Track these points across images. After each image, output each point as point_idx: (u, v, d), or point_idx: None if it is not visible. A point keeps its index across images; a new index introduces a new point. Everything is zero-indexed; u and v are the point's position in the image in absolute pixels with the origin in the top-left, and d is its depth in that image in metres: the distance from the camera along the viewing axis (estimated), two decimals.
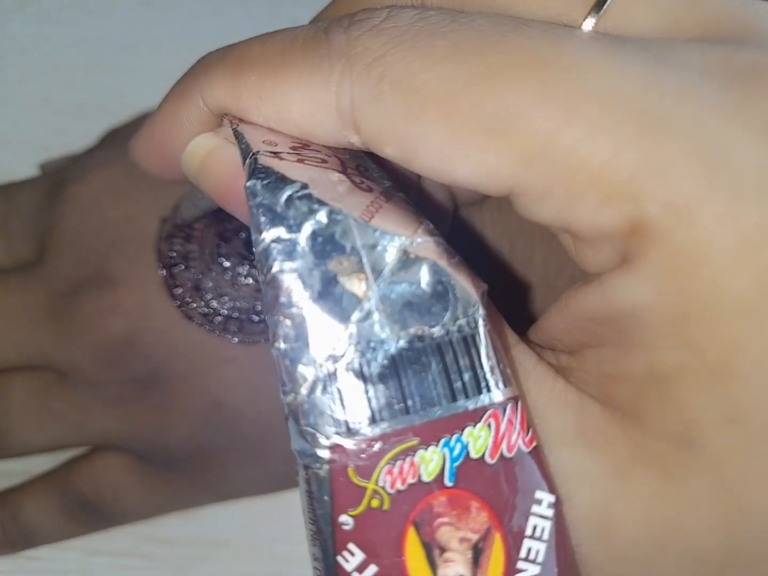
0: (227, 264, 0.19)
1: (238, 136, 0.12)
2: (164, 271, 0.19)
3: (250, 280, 0.19)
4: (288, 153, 0.12)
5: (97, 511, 0.21)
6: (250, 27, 0.25)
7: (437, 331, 0.11)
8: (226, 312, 0.19)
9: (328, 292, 0.11)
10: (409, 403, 0.11)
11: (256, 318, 0.19)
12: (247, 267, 0.19)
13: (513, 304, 0.16)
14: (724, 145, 0.10)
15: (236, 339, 0.19)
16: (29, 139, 0.23)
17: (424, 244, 0.11)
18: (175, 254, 0.19)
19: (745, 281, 0.10)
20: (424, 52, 0.11)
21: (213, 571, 0.22)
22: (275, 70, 0.12)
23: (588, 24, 0.12)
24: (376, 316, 0.11)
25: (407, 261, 0.11)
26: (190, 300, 0.19)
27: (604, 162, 0.10)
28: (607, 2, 0.12)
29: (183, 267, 0.19)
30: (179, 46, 0.24)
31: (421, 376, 0.11)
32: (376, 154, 0.12)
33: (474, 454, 0.11)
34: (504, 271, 0.18)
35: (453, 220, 0.16)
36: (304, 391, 0.10)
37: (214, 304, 0.19)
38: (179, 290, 0.19)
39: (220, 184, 0.12)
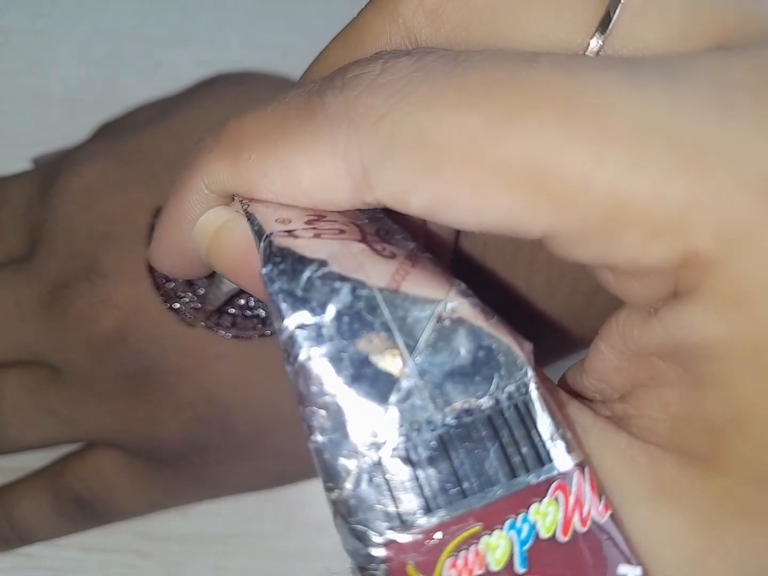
0: None
1: (250, 218, 0.11)
2: None
3: None
4: (303, 229, 0.11)
5: (91, 507, 0.20)
6: (241, 20, 0.24)
7: (485, 401, 0.10)
8: (218, 307, 0.18)
9: (362, 375, 0.10)
10: (465, 485, 0.09)
11: (249, 313, 0.18)
12: None
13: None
14: None
15: (229, 334, 0.18)
16: (22, 134, 0.23)
17: (459, 307, 0.10)
18: None
19: None
20: (431, 102, 0.10)
21: (208, 566, 0.22)
22: (276, 144, 0.11)
23: (594, 45, 0.11)
24: (417, 394, 0.10)
25: (443, 328, 0.10)
26: (182, 295, 0.18)
27: (649, 199, 0.09)
28: (612, 21, 0.11)
29: None
30: (172, 40, 0.23)
31: (474, 454, 0.10)
32: (395, 210, 0.11)
33: (544, 534, 0.10)
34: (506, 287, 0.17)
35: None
36: (348, 485, 0.09)
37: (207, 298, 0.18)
38: (171, 285, 0.18)
39: (233, 259, 0.12)
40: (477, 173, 0.10)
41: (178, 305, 0.18)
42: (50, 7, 0.23)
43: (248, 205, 0.11)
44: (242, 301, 0.18)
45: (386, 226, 0.12)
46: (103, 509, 0.21)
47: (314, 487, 0.21)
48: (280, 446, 0.19)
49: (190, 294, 0.18)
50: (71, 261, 0.19)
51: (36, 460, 0.21)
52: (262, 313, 0.18)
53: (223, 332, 0.18)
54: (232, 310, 0.18)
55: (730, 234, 0.09)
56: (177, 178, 0.12)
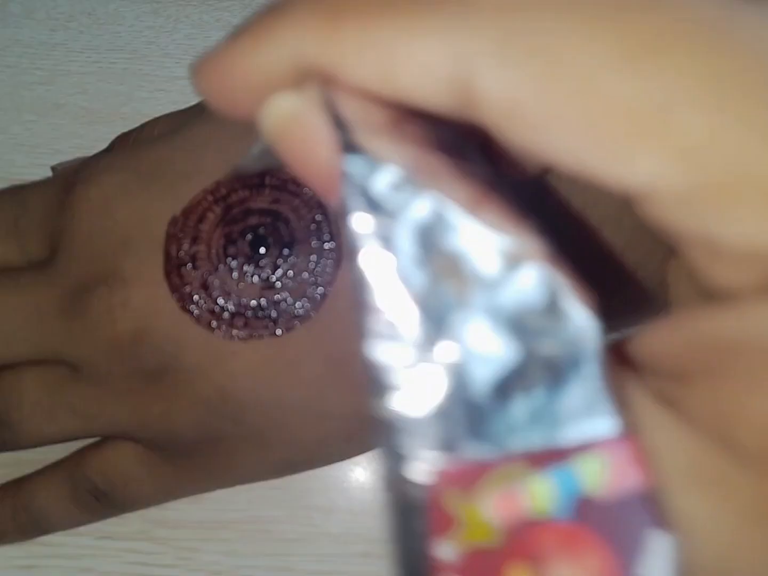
0: (234, 263, 0.20)
1: (330, 106, 0.10)
2: (172, 270, 0.19)
3: (256, 279, 0.20)
4: (387, 129, 0.10)
5: (108, 498, 0.21)
6: None
7: (545, 346, 0.09)
8: (232, 309, 0.19)
9: (428, 293, 0.09)
10: (516, 425, 0.09)
11: (261, 314, 0.20)
12: (253, 266, 0.20)
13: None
14: None
15: (242, 334, 0.19)
16: (41, 143, 0.23)
17: (533, 248, 0.09)
18: (183, 254, 0.20)
19: None
20: (573, 11, 0.08)
21: (219, 551, 0.22)
22: (381, 19, 0.09)
23: None
24: (480, 325, 0.09)
25: (514, 266, 0.09)
26: (197, 297, 0.19)
27: None
28: None
29: (191, 266, 0.20)
30: (185, 54, 0.24)
31: (529, 397, 0.09)
32: (488, 133, 0.10)
33: (587, 488, 0.09)
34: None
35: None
36: (398, 403, 0.09)
37: (221, 301, 0.20)
38: (187, 288, 0.19)
39: (303, 155, 0.10)
40: (594, 106, 0.08)
41: (193, 307, 0.19)
42: (67, 21, 0.24)
43: (329, 94, 0.10)
44: (254, 303, 0.20)
45: (466, 148, 0.11)
46: (119, 499, 0.21)
47: (323, 473, 0.22)
48: (289, 438, 0.20)
49: (206, 297, 0.19)
50: (90, 266, 0.19)
51: (54, 453, 0.22)
52: (274, 313, 0.20)
53: (236, 332, 0.19)
54: (245, 312, 0.20)
55: None
56: (259, 19, 0.10)
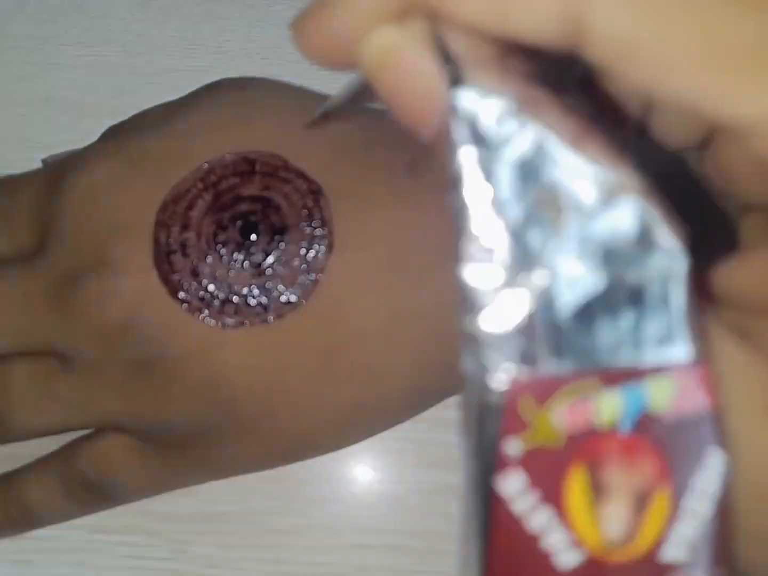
0: (224, 250, 0.19)
1: (437, 40, 0.10)
2: (162, 258, 0.19)
3: (247, 265, 0.19)
4: (492, 64, 0.10)
5: (100, 491, 0.21)
6: (245, 29, 0.25)
7: (635, 273, 0.10)
8: (222, 296, 0.19)
9: (526, 221, 0.10)
10: (597, 344, 0.10)
11: (253, 302, 0.19)
12: (244, 253, 0.19)
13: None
14: None
15: (233, 322, 0.19)
16: (31, 137, 0.23)
17: (630, 182, 0.10)
18: (172, 241, 0.19)
19: None
20: None
21: (213, 543, 0.22)
22: None
23: None
24: (573, 252, 0.10)
25: (610, 196, 0.10)
26: (187, 285, 0.19)
27: None
28: None
29: (180, 254, 0.19)
30: (176, 47, 0.24)
31: (613, 318, 0.10)
32: (598, 71, 0.10)
33: (654, 406, 0.10)
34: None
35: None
36: (487, 317, 0.10)
37: (212, 288, 0.19)
38: (177, 276, 0.19)
39: (400, 85, 0.10)
40: (713, 45, 0.09)
41: (183, 294, 0.19)
42: (56, 15, 0.24)
43: (435, 27, 0.10)
44: (245, 290, 0.19)
45: (568, 84, 0.11)
46: (111, 492, 0.21)
47: (316, 465, 0.22)
48: (282, 426, 0.20)
49: (196, 284, 0.19)
50: (79, 254, 0.19)
51: (45, 446, 0.21)
52: (265, 300, 0.19)
53: (227, 320, 0.19)
54: (236, 299, 0.19)
55: None
56: None
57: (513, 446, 0.10)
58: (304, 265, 0.19)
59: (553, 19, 0.09)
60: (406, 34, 0.10)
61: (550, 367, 0.10)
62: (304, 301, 0.19)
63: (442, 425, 0.22)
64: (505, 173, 0.10)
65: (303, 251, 0.19)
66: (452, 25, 0.10)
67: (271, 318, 0.19)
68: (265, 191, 0.20)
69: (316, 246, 0.19)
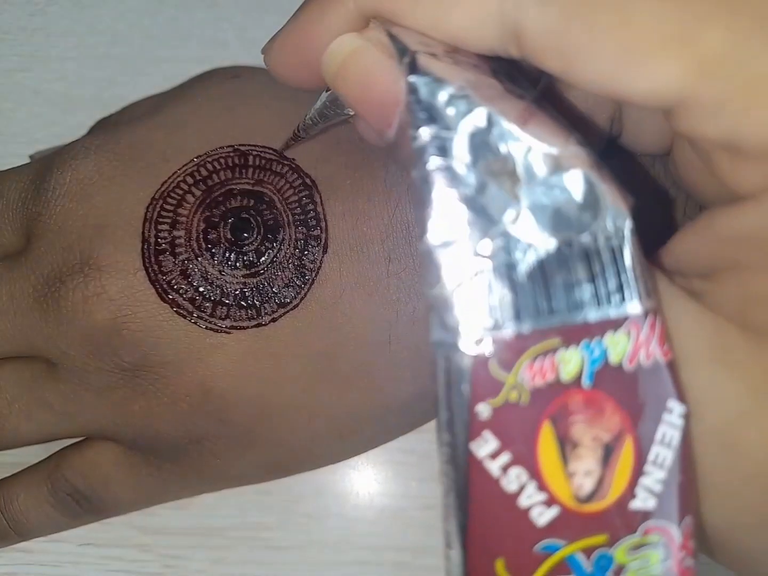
0: (215, 250, 0.18)
1: (392, 37, 0.11)
2: (151, 258, 0.18)
3: (239, 265, 0.18)
4: (443, 56, 0.11)
5: (88, 501, 0.20)
6: (238, 17, 0.24)
7: (585, 237, 0.10)
8: (214, 297, 0.18)
9: (481, 191, 0.10)
10: (554, 304, 0.10)
11: (244, 303, 0.18)
12: (236, 252, 0.18)
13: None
14: None
15: (224, 325, 0.18)
16: (20, 131, 0.22)
17: (576, 153, 0.11)
18: (161, 240, 0.18)
19: None
20: None
21: (207, 559, 0.21)
22: None
23: None
24: (526, 219, 0.10)
25: (559, 168, 0.10)
26: (177, 286, 0.18)
27: None
28: None
29: (170, 253, 0.18)
30: (169, 37, 0.23)
31: (567, 280, 0.10)
32: (534, 65, 0.11)
33: (613, 360, 0.10)
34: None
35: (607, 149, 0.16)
36: (450, 285, 0.10)
37: (202, 290, 0.18)
38: (166, 277, 0.18)
39: (360, 83, 0.12)
40: (629, 30, 0.10)
41: (173, 297, 0.18)
42: (46, 5, 0.23)
43: (390, 29, 0.11)
44: (237, 291, 0.18)
45: (513, 73, 0.12)
46: (100, 503, 0.20)
47: (314, 478, 0.21)
48: (277, 437, 0.19)
49: (186, 286, 0.18)
50: (65, 254, 0.18)
51: (33, 455, 0.20)
52: (257, 302, 0.18)
53: (218, 323, 0.18)
54: (228, 301, 0.18)
55: None
56: None
57: (483, 409, 0.10)
58: (298, 266, 0.18)
59: (490, 25, 0.11)
60: (364, 37, 0.12)
61: (512, 328, 0.10)
62: (298, 302, 0.18)
63: None
64: (460, 148, 0.10)
65: (297, 251, 0.18)
66: (405, 28, 0.11)
67: (264, 321, 0.18)
68: (258, 186, 0.18)
69: (310, 245, 0.18)
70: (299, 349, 0.18)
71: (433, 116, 0.10)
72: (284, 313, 0.18)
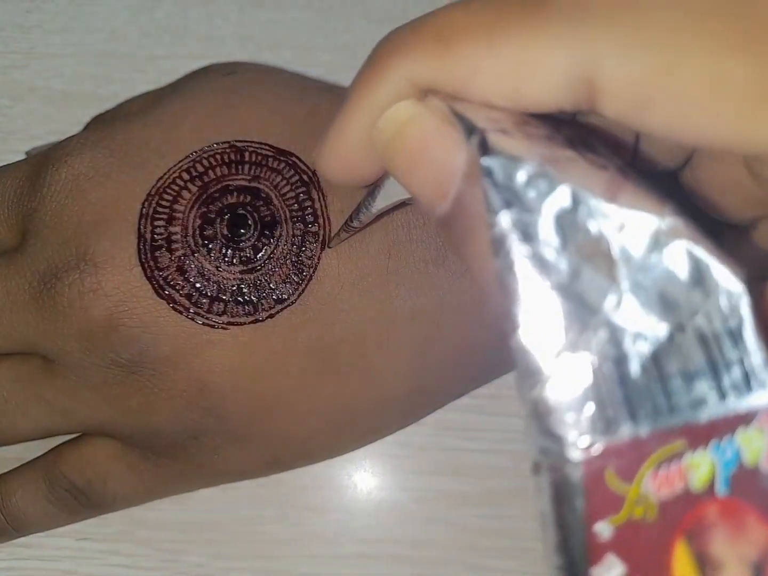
0: (211, 246, 0.18)
1: (457, 114, 0.10)
2: (147, 254, 0.17)
3: (236, 261, 0.18)
4: (513, 131, 0.10)
5: (86, 497, 0.19)
6: (234, 13, 0.23)
7: (699, 320, 0.09)
8: (211, 294, 0.17)
9: (575, 277, 0.09)
10: (674, 400, 0.09)
11: (240, 299, 0.17)
12: (232, 248, 0.18)
13: None
14: None
15: (221, 321, 0.17)
16: (16, 129, 0.21)
17: (676, 224, 0.09)
18: (157, 236, 0.18)
19: None
20: (674, 7, 0.09)
21: (205, 553, 0.20)
22: (492, 38, 0.10)
23: None
24: (630, 305, 0.09)
25: (659, 244, 0.09)
26: (173, 282, 0.17)
27: None
28: None
29: (166, 249, 0.18)
30: (165, 34, 0.22)
31: (685, 371, 0.09)
32: (609, 116, 0.10)
33: (748, 461, 0.09)
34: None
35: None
36: (551, 387, 0.09)
37: (199, 285, 0.17)
38: (162, 273, 0.17)
39: (415, 154, 0.11)
40: (719, 86, 0.09)
41: (169, 292, 0.17)
42: (43, 2, 0.22)
43: (451, 104, 0.10)
44: (234, 287, 0.17)
45: (591, 139, 0.11)
46: (97, 498, 0.19)
47: (313, 471, 0.20)
48: (274, 432, 0.18)
49: (182, 282, 0.17)
50: (61, 250, 0.17)
51: (31, 450, 0.20)
52: (254, 298, 0.17)
53: (215, 318, 0.17)
54: (224, 296, 0.17)
55: None
56: (366, 67, 0.11)
57: (603, 528, 0.09)
58: (296, 262, 0.17)
59: (566, 86, 0.10)
60: (424, 106, 0.11)
61: (631, 431, 0.09)
62: (296, 299, 0.17)
63: (445, 429, 0.21)
64: (545, 232, 0.09)
65: (295, 247, 0.18)
66: (468, 102, 0.10)
67: (261, 317, 0.17)
68: (254, 182, 0.18)
69: (308, 242, 0.18)
70: (296, 345, 0.17)
71: (512, 199, 0.09)
72: (281, 309, 0.17)
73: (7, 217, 0.19)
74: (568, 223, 0.09)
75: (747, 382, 0.09)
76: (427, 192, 0.11)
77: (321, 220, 0.18)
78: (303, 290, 0.17)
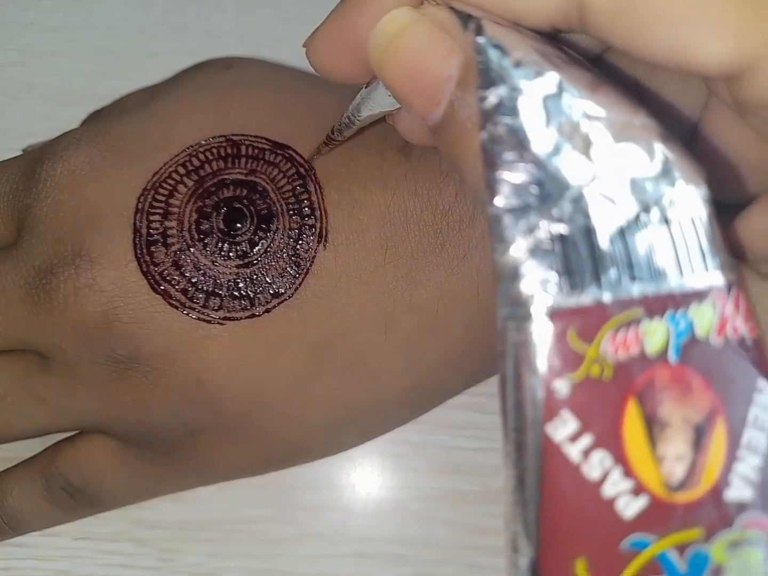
0: (207, 240, 0.17)
1: (454, 9, 0.11)
2: (143, 249, 0.17)
3: (232, 256, 0.17)
4: (508, 27, 0.11)
5: (82, 495, 0.19)
6: (232, 11, 0.23)
7: (663, 204, 0.10)
8: (207, 289, 0.17)
9: (554, 153, 0.10)
10: (636, 272, 0.10)
11: (237, 294, 0.17)
12: (228, 243, 0.17)
13: None
14: None
15: (217, 316, 0.17)
16: (13, 126, 0.21)
17: (648, 124, 0.10)
18: (153, 231, 0.17)
19: None
20: None
21: (202, 552, 0.20)
22: None
23: None
24: (602, 182, 0.10)
25: (631, 138, 0.10)
26: (169, 277, 0.17)
27: None
28: None
29: (162, 244, 0.17)
30: (162, 30, 0.22)
31: (648, 248, 0.10)
32: (597, 36, 0.10)
33: (700, 333, 0.10)
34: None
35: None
36: (522, 250, 0.09)
37: (194, 280, 0.17)
38: (158, 268, 0.17)
39: (409, 63, 0.11)
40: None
41: (165, 288, 0.17)
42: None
43: (448, 3, 0.11)
44: (230, 282, 0.17)
45: (574, 54, 0.11)
46: (94, 496, 0.19)
47: (310, 470, 0.20)
48: (271, 429, 0.18)
49: (178, 277, 0.17)
50: (56, 246, 0.17)
51: (27, 449, 0.19)
52: (251, 293, 0.17)
53: (211, 313, 0.17)
54: (221, 291, 0.17)
55: None
56: None
57: (561, 385, 0.09)
58: (293, 256, 0.17)
59: (554, 3, 0.10)
60: (419, 11, 0.11)
61: (591, 296, 0.09)
62: (293, 293, 0.17)
63: (445, 427, 0.20)
64: (531, 110, 0.10)
65: (292, 240, 0.17)
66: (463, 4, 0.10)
67: (258, 311, 0.17)
68: (251, 176, 0.18)
69: (305, 235, 0.17)
70: (293, 339, 0.17)
71: (502, 78, 0.10)
72: (278, 304, 0.17)
73: (3, 212, 0.19)
74: (552, 105, 0.10)
75: (703, 263, 0.10)
76: (421, 100, 0.11)
77: (318, 213, 0.17)
78: (300, 284, 0.17)
